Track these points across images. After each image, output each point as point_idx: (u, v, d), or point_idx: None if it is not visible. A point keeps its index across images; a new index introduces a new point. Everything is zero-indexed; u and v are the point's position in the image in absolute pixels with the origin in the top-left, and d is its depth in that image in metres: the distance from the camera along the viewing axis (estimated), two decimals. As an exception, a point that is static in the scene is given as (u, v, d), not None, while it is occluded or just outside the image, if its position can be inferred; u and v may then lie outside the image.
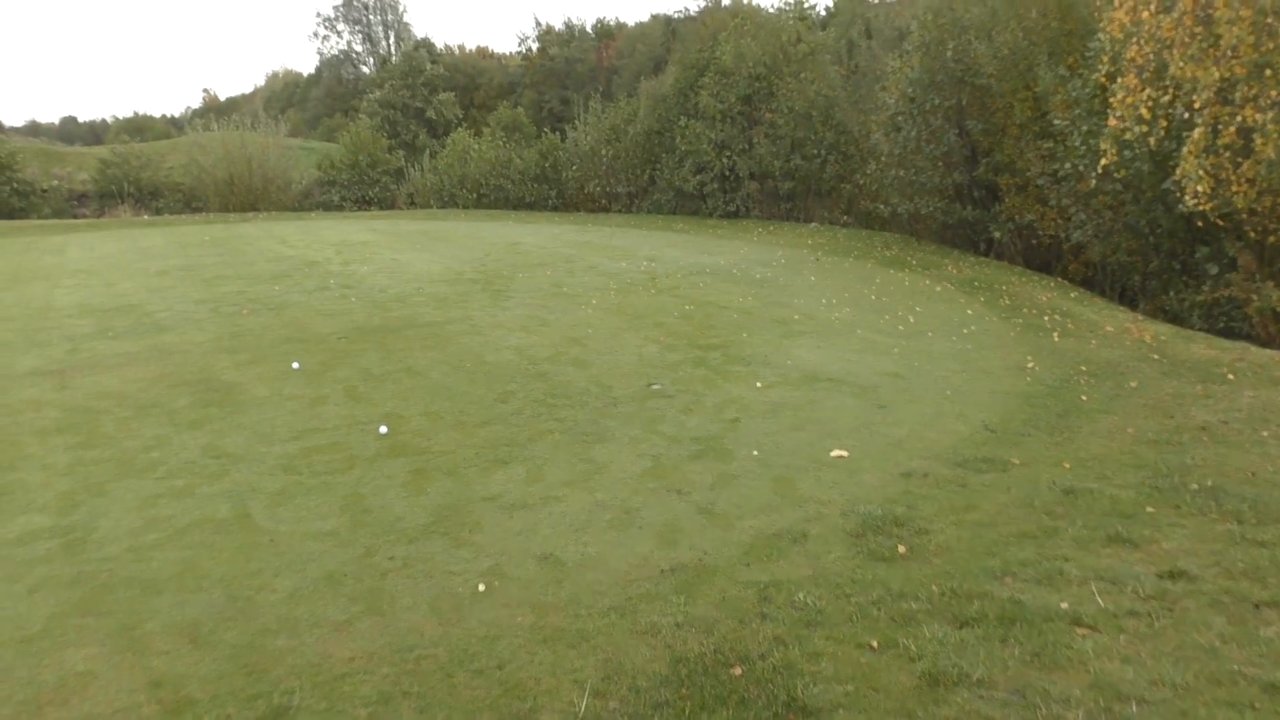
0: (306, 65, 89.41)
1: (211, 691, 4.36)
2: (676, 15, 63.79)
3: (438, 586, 5.42)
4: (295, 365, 10.46)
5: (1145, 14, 11.26)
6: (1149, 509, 6.29)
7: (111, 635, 4.90)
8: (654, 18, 65.56)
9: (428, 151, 41.64)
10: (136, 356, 11.02)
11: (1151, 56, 11.33)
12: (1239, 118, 10.90)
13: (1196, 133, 11.16)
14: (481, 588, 5.40)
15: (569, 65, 63.09)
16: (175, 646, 4.77)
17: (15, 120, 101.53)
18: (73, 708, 4.26)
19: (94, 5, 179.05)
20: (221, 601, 5.24)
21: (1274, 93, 10.56)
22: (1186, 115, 11.74)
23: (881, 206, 23.02)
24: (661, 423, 8.56)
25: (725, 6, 58.68)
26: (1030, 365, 10.77)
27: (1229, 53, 10.53)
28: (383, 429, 8.29)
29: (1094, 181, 14.94)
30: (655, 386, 9.74)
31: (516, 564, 5.71)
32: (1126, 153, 13.65)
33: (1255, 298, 13.00)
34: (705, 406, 9.07)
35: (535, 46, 66.99)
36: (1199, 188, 11.20)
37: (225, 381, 9.91)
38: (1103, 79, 14.15)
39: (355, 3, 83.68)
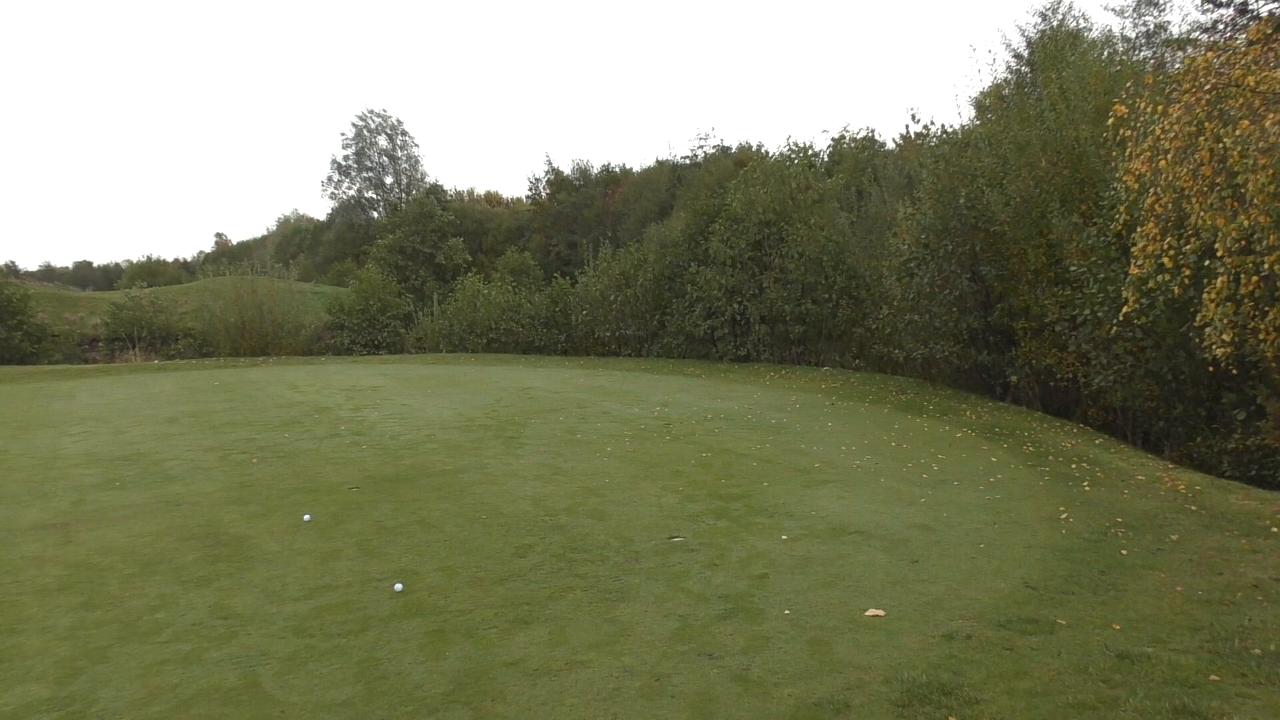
0: (318, 210, 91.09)
1: None
2: (683, 160, 65.13)
3: (458, 766, 5.05)
4: (306, 517, 10.17)
5: (1163, 163, 11.26)
6: (1213, 677, 5.91)
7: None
8: (659, 163, 66.87)
9: (436, 296, 41.94)
10: (143, 508, 10.73)
11: (1170, 205, 11.30)
12: (1265, 266, 10.79)
13: (1219, 281, 11.05)
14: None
15: (576, 210, 64.13)
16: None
17: (30, 264, 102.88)
18: None
19: (110, 149, 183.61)
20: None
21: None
22: (1207, 263, 11.66)
23: (895, 350, 22.92)
24: (686, 579, 8.22)
25: (730, 153, 59.95)
26: (1064, 516, 10.43)
27: (1252, 201, 10.48)
28: (397, 586, 7.95)
29: (1114, 329, 14.82)
30: (677, 539, 9.42)
31: (542, 739, 5.35)
32: (1144, 300, 13.56)
33: (1288, 446, 12.74)
34: (730, 561, 8.74)
35: (545, 192, 68.18)
36: (1224, 336, 11.04)
37: (234, 535, 9.60)
38: (1120, 228, 14.14)
39: (368, 150, 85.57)
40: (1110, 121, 12.48)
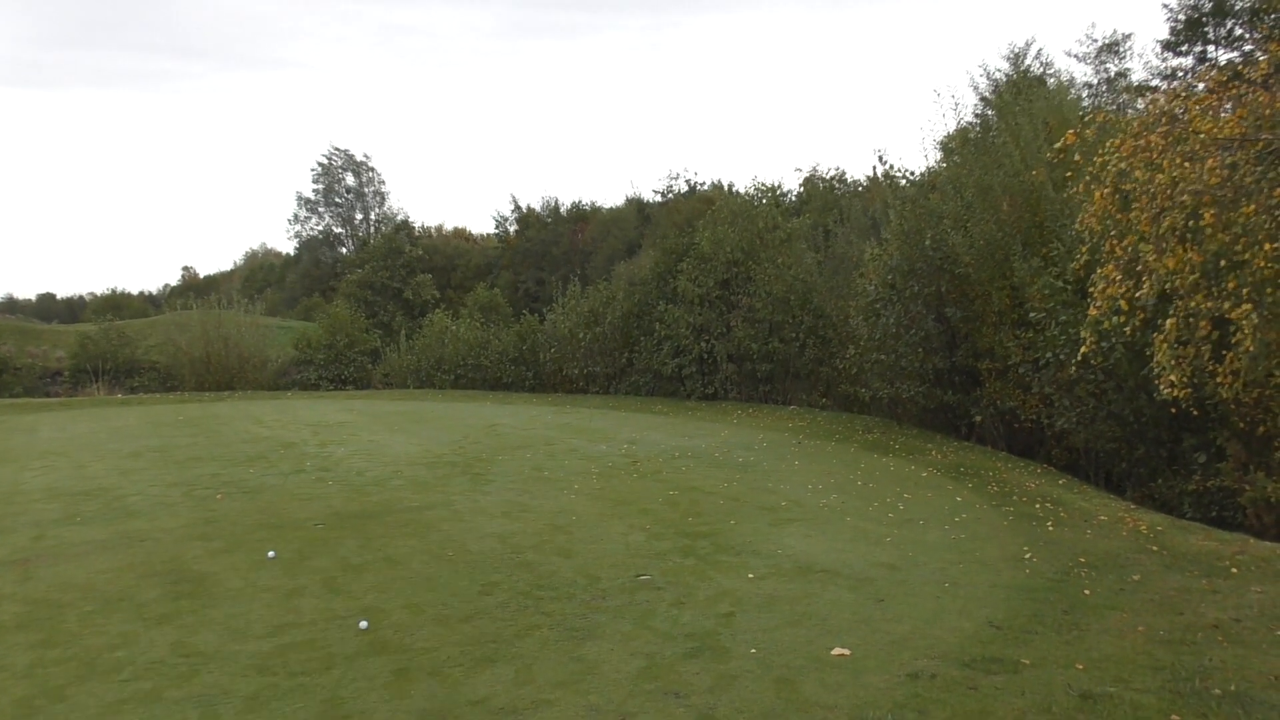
0: (285, 245, 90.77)
1: None
2: (652, 198, 65.44)
3: (422, 806, 5.02)
4: (271, 554, 10.08)
5: (1110, 208, 11.44)
6: (1174, 717, 5.97)
7: None
8: (628, 201, 67.18)
9: (404, 332, 41.84)
10: (105, 544, 10.61)
11: (1129, 247, 11.46)
12: (1214, 309, 10.97)
13: (1168, 324, 11.22)
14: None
15: (545, 247, 64.28)
16: None
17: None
18: None
19: (75, 181, 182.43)
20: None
21: (1245, 289, 10.64)
22: (1158, 305, 11.83)
23: (861, 390, 23.02)
24: (653, 617, 8.21)
25: (700, 192, 60.28)
26: (1028, 556, 10.50)
27: (1206, 240, 10.65)
28: (363, 624, 7.90)
29: (1074, 370, 14.97)
30: (644, 578, 9.41)
31: (506, 779, 5.32)
32: (1104, 343, 13.72)
33: (1248, 488, 12.87)
34: (697, 599, 8.74)
35: (513, 228, 68.30)
36: (1171, 378, 11.19)
37: (197, 571, 9.51)
38: (1079, 268, 14.33)
39: (336, 186, 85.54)
40: (1058, 146, 12.65)
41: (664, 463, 16.34)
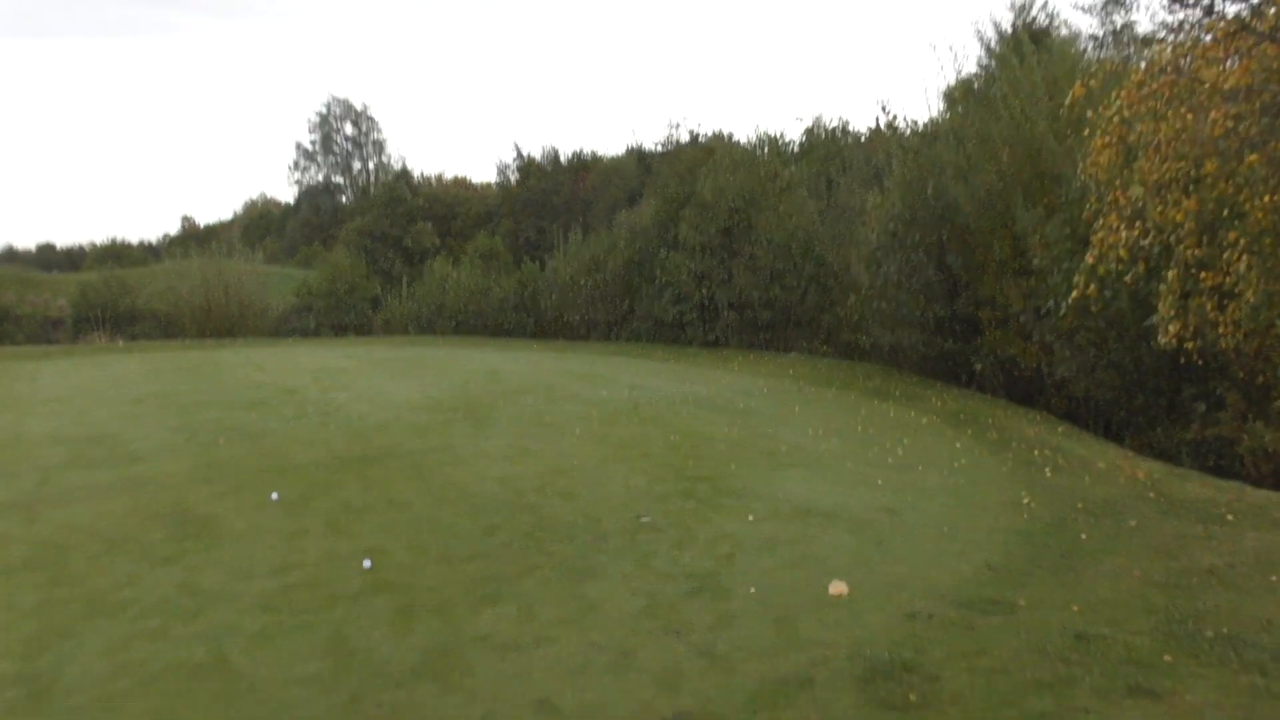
0: (285, 193, 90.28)
1: None
2: (653, 148, 65.04)
3: (428, 737, 5.11)
4: (274, 496, 10.16)
5: (1116, 159, 11.41)
6: (1166, 658, 6.06)
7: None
8: (629, 151, 66.80)
9: (404, 279, 41.79)
10: (109, 488, 10.68)
11: (1134, 197, 11.43)
12: (1214, 259, 10.98)
13: (1170, 275, 11.23)
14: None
15: (545, 196, 63.96)
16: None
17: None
18: None
19: (74, 130, 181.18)
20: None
21: (1244, 240, 10.63)
22: (1161, 254, 11.82)
23: (862, 337, 23.07)
24: (654, 558, 8.30)
25: (701, 142, 59.91)
26: (1026, 501, 10.59)
27: (1206, 190, 10.64)
28: (366, 563, 7.99)
29: (1064, 310, 14.92)
30: (645, 519, 9.50)
31: (511, 712, 5.41)
32: (1107, 291, 13.71)
33: (1246, 437, 12.93)
34: (698, 541, 8.83)
35: (514, 177, 67.96)
36: (1170, 328, 11.23)
37: (201, 514, 9.59)
38: (1089, 217, 14.32)
39: (334, 135, 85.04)
40: (1068, 101, 12.58)
41: (665, 408, 16.40)
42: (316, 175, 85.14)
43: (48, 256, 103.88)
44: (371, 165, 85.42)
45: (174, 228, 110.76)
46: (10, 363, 25.32)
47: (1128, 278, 12.04)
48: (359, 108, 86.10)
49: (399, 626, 6.65)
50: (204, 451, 12.52)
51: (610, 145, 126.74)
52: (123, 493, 10.44)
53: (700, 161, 32.61)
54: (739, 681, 5.83)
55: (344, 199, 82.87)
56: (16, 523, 9.32)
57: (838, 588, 7.51)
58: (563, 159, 67.71)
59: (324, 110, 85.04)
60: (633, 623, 6.77)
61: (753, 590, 7.48)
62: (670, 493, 10.65)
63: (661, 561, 8.22)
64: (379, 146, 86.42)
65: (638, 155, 64.92)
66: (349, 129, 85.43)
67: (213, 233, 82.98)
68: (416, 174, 77.62)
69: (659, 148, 64.73)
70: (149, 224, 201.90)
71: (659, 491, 10.69)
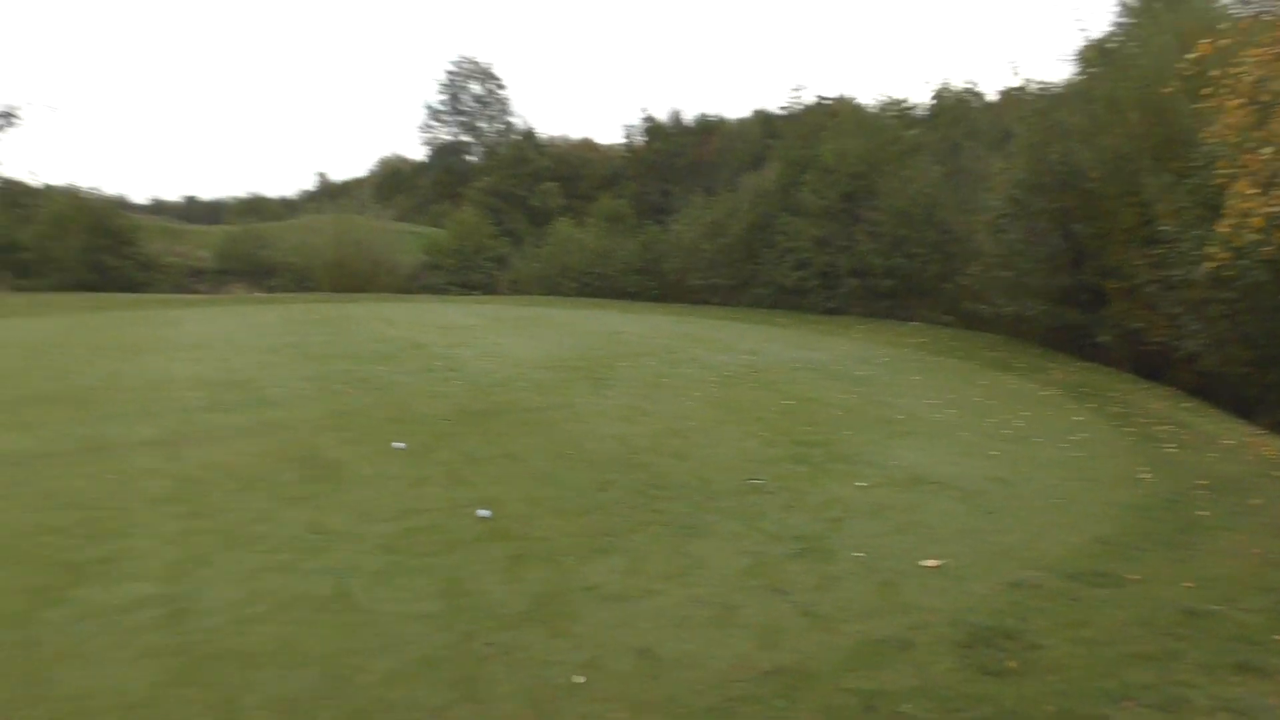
0: (416, 152, 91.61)
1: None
2: (779, 112, 64.41)
3: (535, 676, 5.34)
4: (398, 445, 10.55)
5: (1248, 121, 10.98)
6: (1278, 636, 5.98)
7: (212, 708, 4.90)
8: (755, 114, 66.25)
9: (530, 239, 42.35)
10: (246, 430, 11.22)
11: (1269, 162, 11.01)
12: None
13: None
14: (579, 680, 5.31)
15: (670, 159, 63.87)
16: (274, 722, 4.76)
17: (141, 198, 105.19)
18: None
19: (216, 87, 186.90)
20: (320, 680, 5.22)
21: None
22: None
23: (984, 307, 22.72)
24: (762, 519, 8.43)
25: (826, 105, 59.21)
26: (1145, 476, 10.41)
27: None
28: (483, 513, 8.29)
29: (1202, 287, 14.49)
30: (756, 482, 9.62)
31: (614, 657, 5.61)
32: (1243, 261, 13.27)
33: (1383, 416, 12.49)
34: (807, 504, 8.92)
35: (640, 139, 67.96)
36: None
37: (330, 459, 10.03)
38: (1221, 181, 13.83)
39: (462, 95, 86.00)
40: (1192, 57, 12.11)
41: (782, 374, 16.45)
42: (445, 134, 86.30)
43: (192, 209, 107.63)
44: (498, 125, 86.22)
45: (309, 183, 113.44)
46: (157, 310, 26.53)
47: (1264, 250, 11.61)
48: (487, 67, 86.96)
49: (511, 573, 6.91)
50: (334, 400, 13.03)
51: (735, 108, 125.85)
52: (258, 435, 10.97)
53: (823, 125, 32.29)
54: (838, 641, 5.94)
55: (472, 158, 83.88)
56: (162, 459, 9.88)
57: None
58: (688, 122, 67.50)
59: (452, 69, 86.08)
60: (737, 580, 6.92)
61: (858, 554, 7.56)
62: (782, 456, 10.74)
63: (769, 523, 8.34)
64: (506, 106, 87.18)
65: (762, 118, 64.35)
66: (477, 88, 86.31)
67: (346, 189, 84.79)
68: (543, 135, 78.29)
69: (783, 111, 64.14)
70: (286, 179, 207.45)
71: (771, 455, 10.80)
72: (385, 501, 8.60)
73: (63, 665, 5.36)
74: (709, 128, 66.42)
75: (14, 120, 54.69)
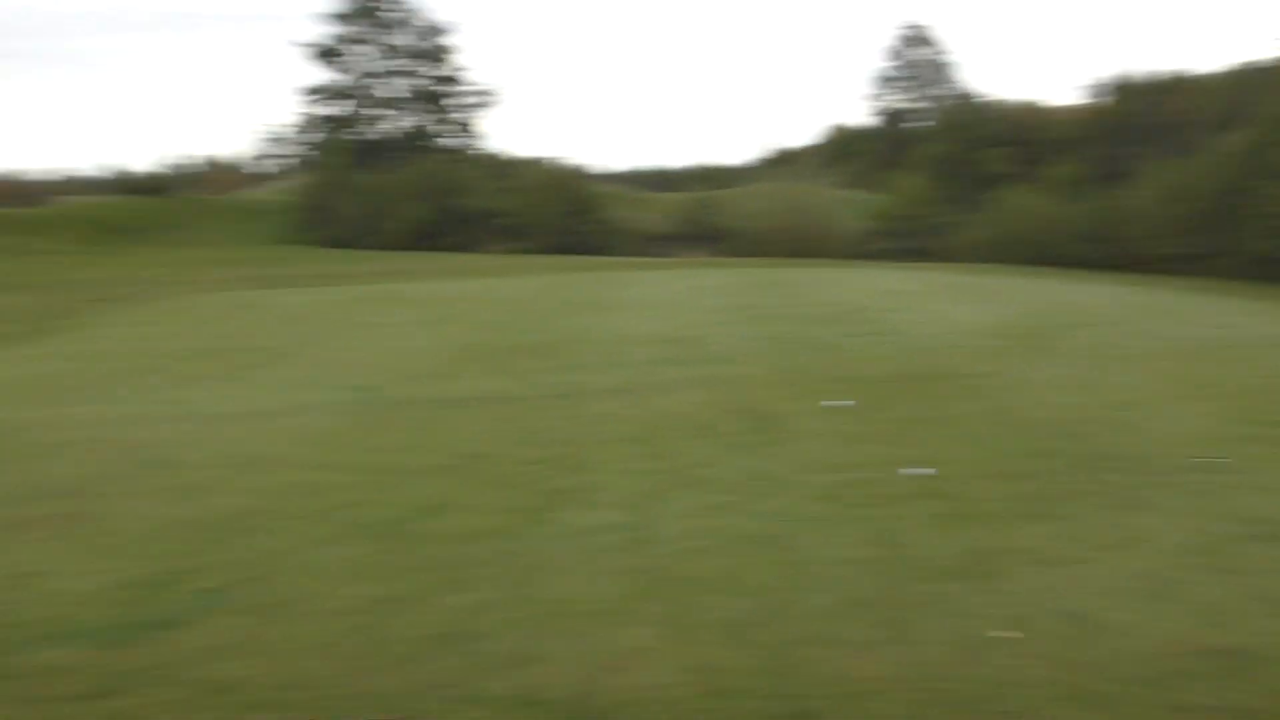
0: (863, 118, 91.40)
1: (745, 684, 4.77)
2: (1252, 65, 58.28)
3: (959, 626, 5.50)
4: (838, 403, 10.93)
5: None
6: None
7: (663, 621, 5.50)
8: (1224, 69, 60.31)
9: (976, 206, 41.34)
10: (694, 383, 12.12)
11: None
12: None
13: None
14: (1002, 634, 5.42)
15: (1126, 120, 59.71)
16: (716, 639, 5.27)
17: (607, 168, 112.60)
18: (631, 674, 4.87)
19: (680, 63, 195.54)
20: (758, 608, 5.69)
21: None
22: None
23: None
24: (1213, 498, 7.95)
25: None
26: None
27: None
28: (919, 470, 8.48)
29: None
30: (1212, 459, 9.08)
31: (1040, 618, 5.64)
32: None
33: None
34: (1269, 486, 8.32)
35: (1103, 97, 64.01)
36: None
37: (771, 412, 10.63)
38: None
39: (908, 61, 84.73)
40: None
41: (1250, 350, 15.23)
42: (891, 100, 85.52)
43: (651, 178, 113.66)
44: (944, 90, 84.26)
45: (759, 152, 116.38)
46: (616, 272, 28.72)
47: None
48: (932, 31, 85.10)
49: (941, 529, 7.06)
50: (777, 358, 13.69)
51: (1200, 63, 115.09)
52: (706, 388, 11.84)
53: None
54: (1295, 630, 5.62)
55: (918, 124, 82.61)
56: (622, 405, 11.02)
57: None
58: (1154, 78, 62.72)
59: (898, 34, 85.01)
60: (1179, 556, 6.65)
61: (1330, 544, 7.02)
62: (1243, 436, 10.02)
63: (1222, 502, 7.88)
64: (952, 70, 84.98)
65: (1237, 73, 58.51)
66: (922, 53, 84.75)
67: (795, 156, 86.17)
68: (988, 98, 75.64)
69: (1258, 65, 57.93)
70: (736, 148, 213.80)
71: (1231, 434, 10.10)
72: (823, 454, 9.03)
73: (544, 573, 6.23)
74: (1170, 85, 61.36)
75: (496, 98, 60.57)
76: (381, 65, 61.16)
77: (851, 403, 10.90)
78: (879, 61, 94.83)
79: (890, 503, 7.66)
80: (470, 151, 60.62)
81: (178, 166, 56.70)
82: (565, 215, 40.59)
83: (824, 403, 10.99)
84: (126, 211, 47.84)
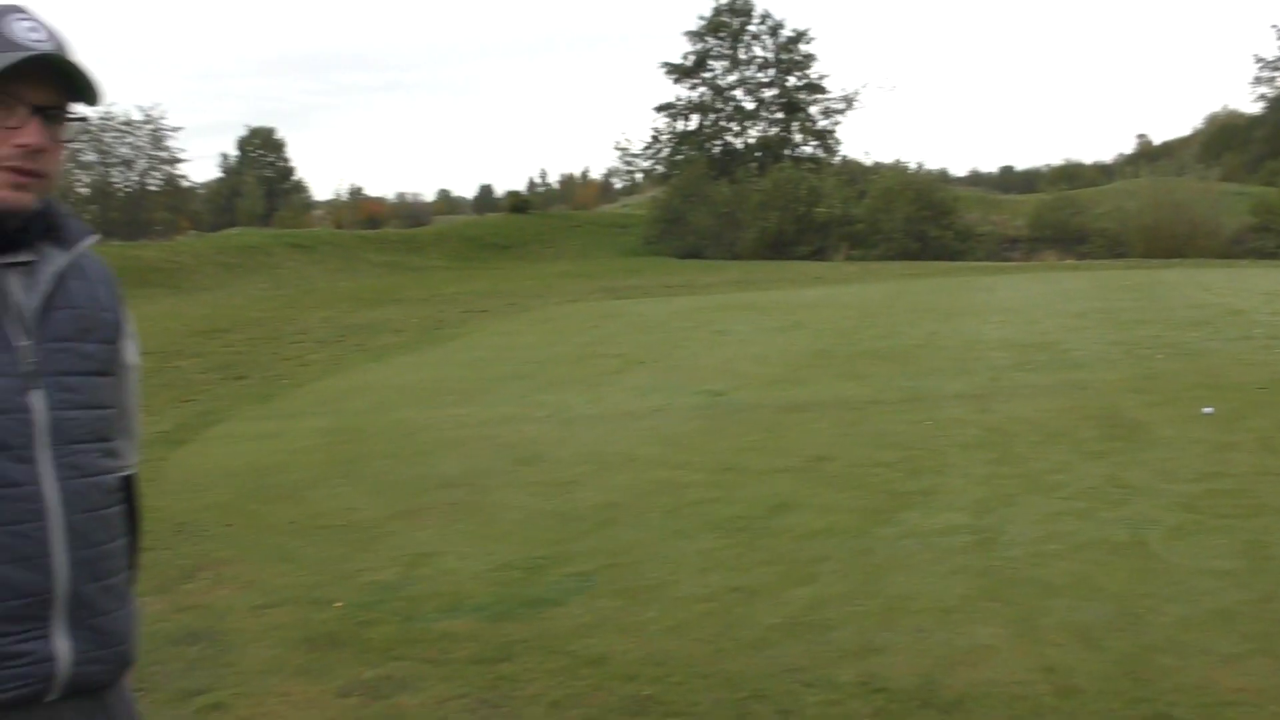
0: (1249, 106, 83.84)
1: (1098, 687, 4.70)
2: None
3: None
4: (1206, 410, 10.31)
5: None
6: None
7: (1011, 621, 5.49)
8: None
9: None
10: (1049, 389, 11.78)
11: None
12: None
13: None
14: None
15: None
16: (1066, 642, 5.20)
17: (960, 170, 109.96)
18: (978, 671, 4.92)
19: (1030, 57, 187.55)
20: (1112, 613, 5.55)
21: None
22: None
23: None
24: None
25: None
26: None
27: None
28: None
29: None
30: None
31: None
32: None
33: None
34: None
35: None
36: None
37: (1131, 419, 10.17)
38: None
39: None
40: None
41: None
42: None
43: (1006, 178, 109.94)
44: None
45: (1128, 146, 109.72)
46: (970, 276, 28.11)
47: None
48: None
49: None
50: (1140, 364, 13.03)
51: None
52: (1060, 394, 11.48)
53: None
54: None
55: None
56: (971, 410, 10.87)
57: None
58: None
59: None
60: None
61: None
62: None
63: None
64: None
65: None
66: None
67: (1168, 149, 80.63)
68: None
69: None
70: (1102, 143, 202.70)
71: None
72: (1186, 462, 8.57)
73: (890, 571, 6.33)
74: None
75: (855, 104, 60.54)
76: (739, 77, 62.56)
77: (1210, 410, 10.23)
78: (1266, 43, 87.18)
79: (1262, 513, 7.18)
80: (826, 159, 60.91)
81: (543, 185, 60.65)
82: (916, 220, 40.07)
83: (1204, 410, 10.36)
84: (495, 228, 52.33)
